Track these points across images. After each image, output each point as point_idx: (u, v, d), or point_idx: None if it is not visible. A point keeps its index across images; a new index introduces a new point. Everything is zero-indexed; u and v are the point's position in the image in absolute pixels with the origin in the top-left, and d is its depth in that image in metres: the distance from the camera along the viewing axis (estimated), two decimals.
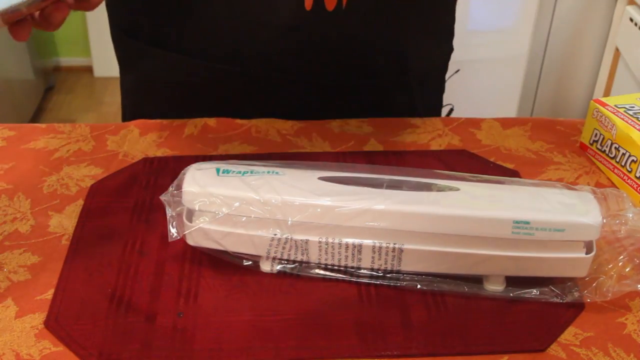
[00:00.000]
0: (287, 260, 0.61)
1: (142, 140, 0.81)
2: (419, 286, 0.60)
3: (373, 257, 0.59)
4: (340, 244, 0.59)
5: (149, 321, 0.57)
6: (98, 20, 2.82)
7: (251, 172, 0.61)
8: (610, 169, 0.76)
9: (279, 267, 0.62)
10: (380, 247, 0.59)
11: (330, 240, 0.59)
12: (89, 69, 2.98)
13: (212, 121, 0.84)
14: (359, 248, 0.59)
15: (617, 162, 0.75)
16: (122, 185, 0.73)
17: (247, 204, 0.59)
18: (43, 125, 0.84)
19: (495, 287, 0.60)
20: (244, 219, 0.59)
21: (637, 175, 0.72)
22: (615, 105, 0.77)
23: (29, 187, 0.73)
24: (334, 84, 0.87)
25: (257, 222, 0.59)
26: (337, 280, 0.61)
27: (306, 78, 0.85)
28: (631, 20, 1.59)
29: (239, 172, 0.61)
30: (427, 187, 0.61)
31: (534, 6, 1.97)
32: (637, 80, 1.60)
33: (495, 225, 0.57)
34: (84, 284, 0.61)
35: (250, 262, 0.62)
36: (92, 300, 0.59)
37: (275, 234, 0.59)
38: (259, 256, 0.62)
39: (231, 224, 0.59)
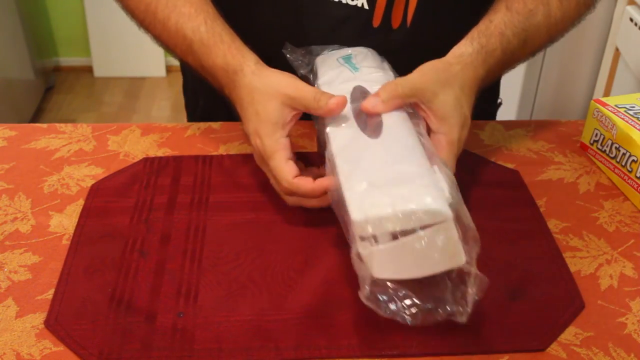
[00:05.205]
0: None
1: (142, 140, 0.81)
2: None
3: None
4: None
5: (149, 321, 0.57)
6: (98, 20, 2.82)
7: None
8: (611, 169, 0.76)
9: None
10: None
11: None
12: (89, 69, 2.98)
13: (216, 125, 0.84)
14: None
15: (618, 162, 0.75)
16: (123, 185, 0.73)
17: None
18: (44, 125, 0.84)
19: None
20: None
21: (638, 175, 0.72)
22: (616, 105, 0.77)
23: (29, 187, 0.73)
24: None
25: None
26: (336, 280, 0.61)
27: None
28: (631, 20, 1.59)
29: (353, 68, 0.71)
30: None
31: None
32: (637, 80, 1.60)
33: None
34: (85, 284, 0.61)
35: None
36: (93, 300, 0.59)
37: None
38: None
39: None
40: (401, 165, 0.59)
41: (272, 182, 0.68)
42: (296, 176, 0.64)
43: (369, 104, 0.64)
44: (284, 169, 0.64)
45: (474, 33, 0.70)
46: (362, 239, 0.55)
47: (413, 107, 0.66)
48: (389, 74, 0.71)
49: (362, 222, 0.55)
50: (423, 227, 0.54)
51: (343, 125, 0.64)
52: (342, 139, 0.63)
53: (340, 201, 0.58)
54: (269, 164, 0.65)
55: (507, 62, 0.73)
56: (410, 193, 0.56)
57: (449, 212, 0.54)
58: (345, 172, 0.60)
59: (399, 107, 0.65)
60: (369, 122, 0.64)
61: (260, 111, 0.66)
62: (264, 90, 0.66)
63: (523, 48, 0.73)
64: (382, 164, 0.59)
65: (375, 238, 0.55)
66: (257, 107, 0.66)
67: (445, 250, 0.54)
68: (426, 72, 0.65)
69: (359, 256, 0.56)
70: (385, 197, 0.55)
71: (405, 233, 0.54)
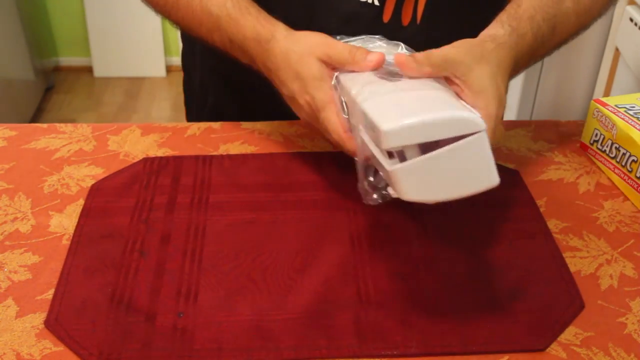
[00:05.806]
0: None
1: (142, 140, 0.81)
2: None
3: None
4: None
5: (149, 321, 0.58)
6: (98, 20, 2.82)
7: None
8: (611, 169, 0.76)
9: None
10: None
11: None
12: (89, 69, 2.98)
13: (216, 125, 0.84)
14: None
15: (618, 162, 0.75)
16: (123, 185, 0.73)
17: None
18: (44, 125, 0.84)
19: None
20: None
21: (638, 175, 0.72)
22: (616, 105, 0.77)
23: (29, 187, 0.73)
24: None
25: None
26: (336, 280, 0.61)
27: None
28: (631, 20, 1.59)
29: None
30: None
31: None
32: (637, 80, 1.60)
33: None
34: (84, 284, 0.61)
35: None
36: (93, 300, 0.59)
37: None
38: None
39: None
40: (427, 97, 0.56)
41: (324, 134, 0.67)
42: (347, 131, 0.63)
43: (402, 57, 0.61)
44: (336, 121, 0.64)
45: (503, 16, 0.69)
46: (390, 155, 0.53)
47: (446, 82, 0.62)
48: (401, 46, 0.69)
49: (391, 132, 0.51)
50: (454, 140, 0.51)
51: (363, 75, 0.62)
52: (361, 79, 0.60)
53: (367, 125, 0.55)
54: (319, 116, 0.65)
55: (538, 49, 0.71)
56: (440, 105, 0.53)
57: (482, 123, 0.51)
58: (369, 98, 0.57)
59: (428, 76, 0.61)
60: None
61: (301, 70, 0.66)
62: (300, 52, 0.66)
63: (552, 35, 0.72)
64: (407, 93, 0.56)
65: (402, 154, 0.52)
66: (296, 67, 0.66)
67: (477, 168, 0.51)
68: (459, 45, 0.63)
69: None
70: (414, 108, 0.53)
71: (435, 147, 0.51)
